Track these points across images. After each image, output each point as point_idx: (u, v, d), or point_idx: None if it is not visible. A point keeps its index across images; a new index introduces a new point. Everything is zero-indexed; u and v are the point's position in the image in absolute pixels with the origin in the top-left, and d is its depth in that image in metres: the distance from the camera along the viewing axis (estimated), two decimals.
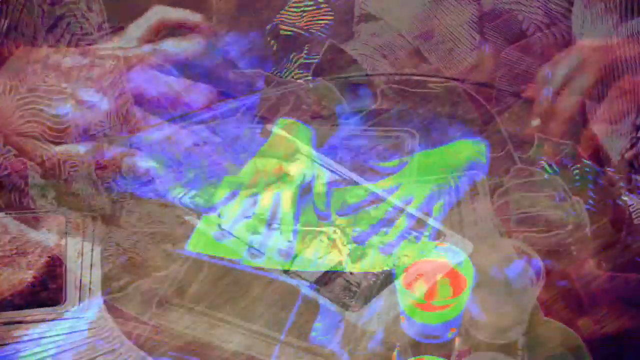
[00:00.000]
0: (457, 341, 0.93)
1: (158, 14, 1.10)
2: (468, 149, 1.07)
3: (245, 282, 0.98)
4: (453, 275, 0.93)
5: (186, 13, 1.11)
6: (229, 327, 0.94)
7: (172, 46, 1.09)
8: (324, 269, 0.98)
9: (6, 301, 0.97)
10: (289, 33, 1.12)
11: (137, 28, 1.09)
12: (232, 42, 1.14)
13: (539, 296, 0.93)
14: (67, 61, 1.04)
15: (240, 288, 0.97)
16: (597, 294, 0.96)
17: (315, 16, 1.13)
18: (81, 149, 1.03)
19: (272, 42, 1.13)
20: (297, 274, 0.98)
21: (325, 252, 1.00)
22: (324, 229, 1.02)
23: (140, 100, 1.06)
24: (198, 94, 1.09)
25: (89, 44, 1.09)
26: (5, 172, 1.03)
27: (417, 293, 0.91)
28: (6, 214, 1.03)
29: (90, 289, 0.98)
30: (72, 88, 1.03)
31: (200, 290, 0.97)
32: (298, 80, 1.14)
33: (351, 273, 0.98)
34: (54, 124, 1.03)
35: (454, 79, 1.12)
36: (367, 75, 1.14)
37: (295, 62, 1.14)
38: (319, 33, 1.12)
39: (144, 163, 1.03)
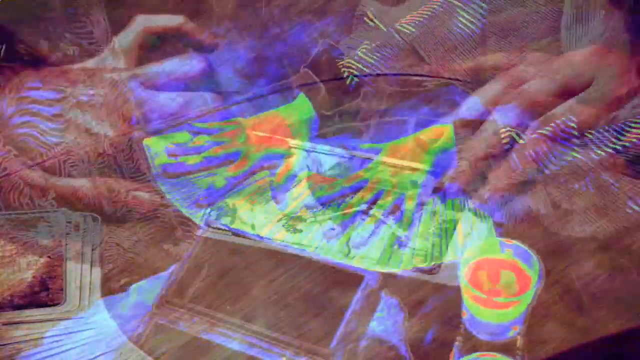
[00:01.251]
0: (519, 340, 0.92)
1: (142, 23, 1.10)
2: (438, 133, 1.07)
3: (245, 282, 0.98)
4: (518, 273, 0.92)
5: (170, 18, 1.11)
6: (229, 327, 0.94)
7: (168, 66, 1.09)
8: (382, 246, 0.98)
9: (6, 301, 0.97)
10: (371, 23, 1.12)
11: (124, 40, 1.09)
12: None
13: (539, 296, 0.93)
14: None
15: (240, 288, 0.97)
16: (597, 294, 0.96)
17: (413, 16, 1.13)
18: (82, 182, 1.03)
19: (355, 23, 1.13)
20: (361, 258, 0.99)
21: (373, 229, 1.00)
22: (358, 208, 1.02)
23: (142, 121, 1.06)
24: (201, 103, 1.09)
25: (92, 44, 1.10)
26: (5, 173, 1.03)
27: (481, 289, 0.91)
28: (6, 213, 1.03)
29: (90, 289, 0.98)
30: (71, 115, 1.04)
31: (200, 290, 0.97)
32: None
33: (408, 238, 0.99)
34: (53, 123, 1.03)
35: (454, 79, 1.12)
36: (365, 75, 1.14)
37: (362, 51, 1.13)
38: (407, 31, 1.11)
39: (150, 196, 1.04)
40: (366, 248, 0.99)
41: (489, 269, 0.93)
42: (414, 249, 0.99)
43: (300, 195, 1.05)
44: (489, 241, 0.97)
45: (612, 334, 0.93)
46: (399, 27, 1.12)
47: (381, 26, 1.12)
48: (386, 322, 0.94)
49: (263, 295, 0.97)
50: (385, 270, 0.98)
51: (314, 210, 1.03)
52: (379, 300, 0.96)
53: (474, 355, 0.90)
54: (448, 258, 0.98)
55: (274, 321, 0.94)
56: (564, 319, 0.94)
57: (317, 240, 1.00)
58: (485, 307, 0.90)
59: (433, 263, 0.97)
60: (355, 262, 0.98)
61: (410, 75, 1.13)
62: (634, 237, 0.99)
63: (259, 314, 0.95)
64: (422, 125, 1.08)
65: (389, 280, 0.97)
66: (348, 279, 0.97)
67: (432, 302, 0.95)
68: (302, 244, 1.00)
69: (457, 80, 1.11)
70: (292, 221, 1.02)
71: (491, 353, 0.90)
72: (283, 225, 1.02)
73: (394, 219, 1.01)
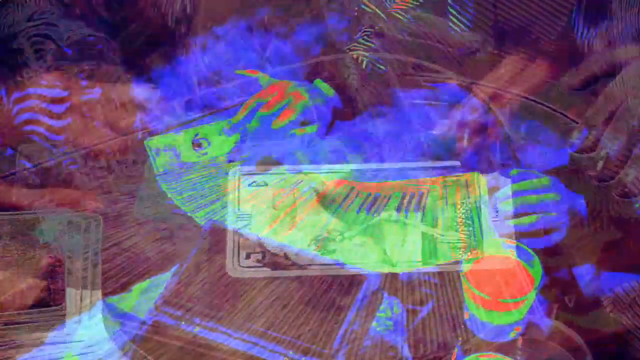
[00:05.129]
0: (521, 340, 0.93)
1: None
2: None
3: (245, 282, 0.98)
4: (521, 274, 0.93)
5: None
6: (229, 327, 0.94)
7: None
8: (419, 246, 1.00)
9: (7, 302, 0.97)
10: (369, 10, 1.13)
11: None
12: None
13: (539, 296, 0.94)
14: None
15: (240, 288, 0.97)
16: (597, 294, 0.96)
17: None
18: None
19: (356, 9, 1.14)
20: (407, 263, 1.00)
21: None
22: (382, 216, 1.03)
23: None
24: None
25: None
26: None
27: (484, 290, 0.91)
28: (8, 214, 1.03)
29: (90, 289, 0.98)
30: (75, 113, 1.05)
31: (200, 291, 0.97)
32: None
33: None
34: (53, 123, 1.04)
35: (454, 78, 1.12)
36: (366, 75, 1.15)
37: (365, 34, 1.14)
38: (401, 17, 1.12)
39: None
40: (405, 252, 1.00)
41: (491, 269, 0.93)
42: (449, 242, 0.99)
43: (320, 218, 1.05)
44: (491, 242, 0.97)
45: (612, 334, 0.94)
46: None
47: (380, 14, 1.12)
48: (388, 322, 0.95)
49: (263, 295, 0.97)
50: (430, 267, 0.98)
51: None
52: (380, 301, 0.96)
53: (476, 355, 0.90)
54: (487, 242, 0.99)
55: (274, 321, 0.95)
56: (564, 319, 0.94)
57: (354, 256, 1.00)
58: (488, 308, 0.91)
59: (474, 251, 0.98)
60: (401, 269, 0.98)
61: (414, 75, 1.13)
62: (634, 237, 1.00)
63: (259, 314, 0.95)
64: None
65: (390, 280, 0.97)
66: (349, 280, 0.97)
67: (435, 302, 0.96)
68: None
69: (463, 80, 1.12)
70: (322, 243, 1.01)
71: (493, 353, 0.90)
72: (314, 250, 1.01)
73: (417, 217, 1.02)
